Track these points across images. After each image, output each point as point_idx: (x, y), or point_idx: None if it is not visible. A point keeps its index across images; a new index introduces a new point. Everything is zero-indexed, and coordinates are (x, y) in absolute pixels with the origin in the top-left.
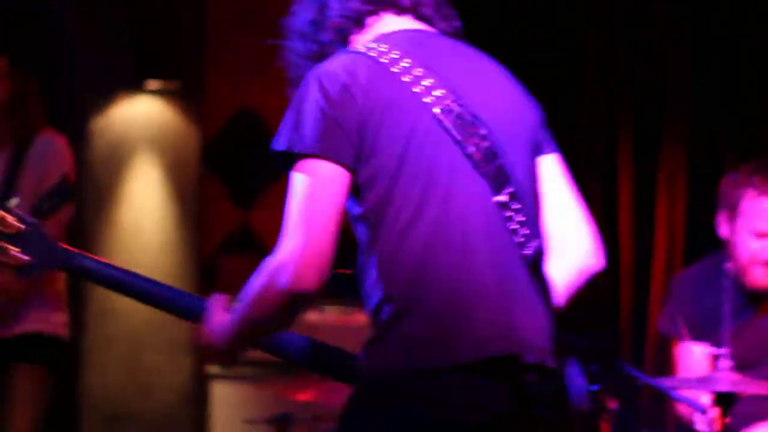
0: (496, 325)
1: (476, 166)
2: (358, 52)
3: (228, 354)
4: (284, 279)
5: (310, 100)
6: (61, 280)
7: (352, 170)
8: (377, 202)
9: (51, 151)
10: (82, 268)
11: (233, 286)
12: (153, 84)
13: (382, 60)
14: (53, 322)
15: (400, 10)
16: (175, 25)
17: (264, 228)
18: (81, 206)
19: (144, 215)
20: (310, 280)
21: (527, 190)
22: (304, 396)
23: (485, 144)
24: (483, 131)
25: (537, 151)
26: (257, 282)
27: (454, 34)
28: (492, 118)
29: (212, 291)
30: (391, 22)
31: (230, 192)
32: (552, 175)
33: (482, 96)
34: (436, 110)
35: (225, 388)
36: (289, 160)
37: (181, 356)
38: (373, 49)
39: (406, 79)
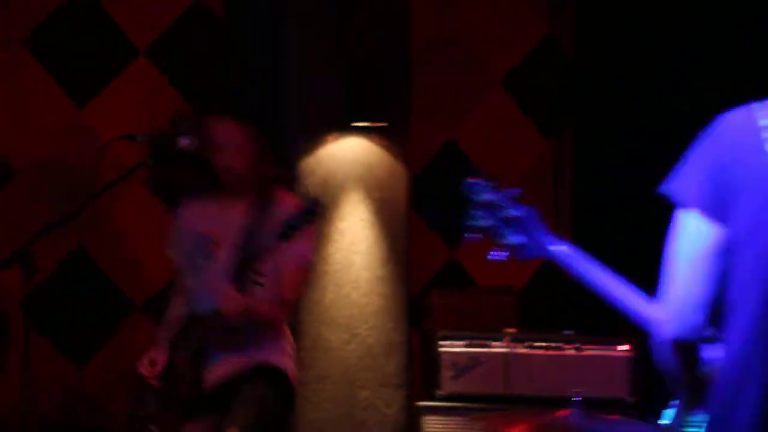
0: None
1: None
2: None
3: (678, 381)
4: (665, 329)
5: (699, 152)
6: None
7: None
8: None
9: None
10: (564, 265)
11: (442, 321)
12: (360, 124)
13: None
14: (286, 358)
15: None
16: (381, 67)
17: (471, 264)
18: None
19: (354, 252)
20: (685, 331)
21: None
22: (517, 430)
23: None
24: None
25: None
26: (654, 331)
27: None
28: None
29: (421, 326)
30: None
31: (436, 228)
32: None
33: None
34: None
35: (436, 422)
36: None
37: (392, 391)
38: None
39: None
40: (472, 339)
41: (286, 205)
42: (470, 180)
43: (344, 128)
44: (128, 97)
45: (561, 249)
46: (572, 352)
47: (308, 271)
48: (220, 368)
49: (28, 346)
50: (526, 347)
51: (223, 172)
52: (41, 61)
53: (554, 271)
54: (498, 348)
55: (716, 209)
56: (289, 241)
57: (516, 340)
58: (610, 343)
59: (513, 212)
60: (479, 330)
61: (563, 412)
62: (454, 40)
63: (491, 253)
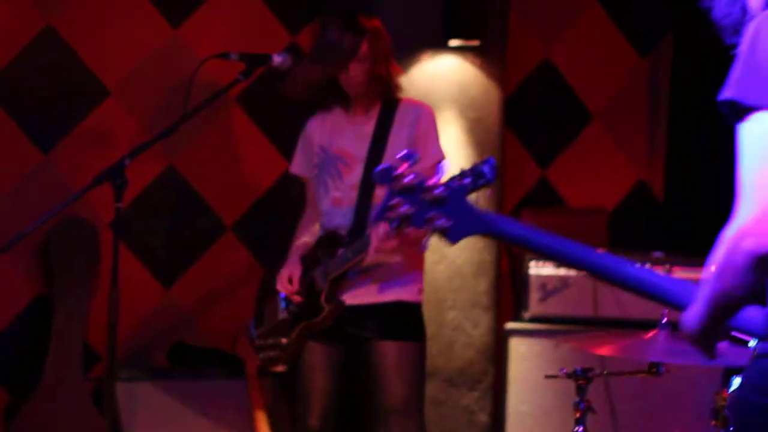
0: None
1: None
2: None
3: (706, 338)
4: (747, 244)
5: (760, 47)
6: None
7: None
8: None
9: (425, 116)
10: (505, 234)
11: None
12: (455, 42)
13: None
14: (415, 290)
15: None
16: None
17: (563, 184)
18: None
19: (446, 171)
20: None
21: None
22: (604, 350)
23: None
24: None
25: None
26: (720, 254)
27: None
28: None
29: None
30: None
31: (529, 148)
32: None
33: None
34: None
35: (524, 344)
36: (736, 112)
37: (481, 312)
38: None
39: None
40: None
41: (415, 112)
42: (382, 166)
43: (439, 47)
44: (223, 16)
45: (501, 222)
46: (662, 274)
47: None
48: (356, 296)
49: (116, 265)
50: None
51: (344, 83)
52: None
53: (646, 192)
54: None
55: None
56: None
57: None
58: (700, 265)
59: (436, 192)
60: None
61: (651, 334)
62: None
63: (422, 244)
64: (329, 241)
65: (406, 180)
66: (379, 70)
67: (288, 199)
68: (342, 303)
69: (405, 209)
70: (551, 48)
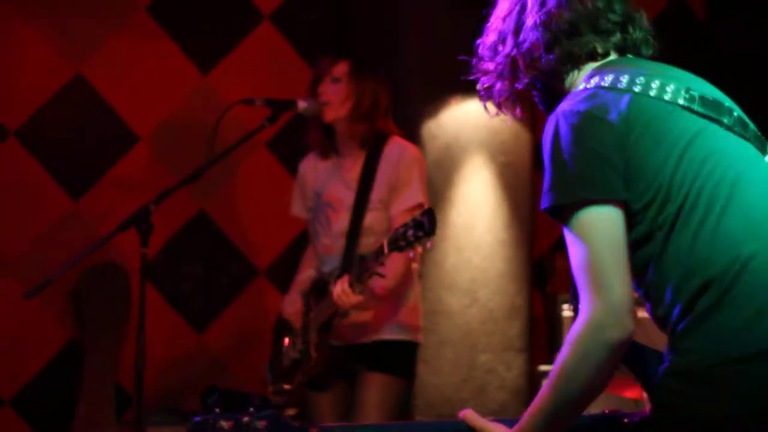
0: None
1: (740, 135)
2: (591, 88)
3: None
4: (609, 334)
5: (565, 146)
6: (416, 282)
7: (625, 200)
8: (662, 213)
9: (405, 160)
10: None
11: (566, 286)
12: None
13: (619, 86)
14: (410, 328)
15: (599, 55)
16: None
17: None
18: None
19: (476, 216)
20: (630, 324)
21: None
22: (636, 393)
23: (736, 114)
24: (727, 104)
25: None
26: (572, 354)
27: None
28: (719, 96)
29: (545, 289)
30: (594, 65)
31: None
32: None
33: (700, 85)
34: (683, 102)
35: None
36: (561, 212)
37: (514, 354)
38: (599, 80)
39: (643, 90)
40: None
41: (397, 156)
42: (196, 419)
43: (468, 91)
44: (252, 62)
45: None
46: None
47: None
48: (347, 335)
49: (143, 310)
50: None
51: (335, 127)
52: (165, 27)
53: None
54: None
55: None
56: (402, 253)
57: (638, 303)
58: None
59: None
60: None
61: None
62: None
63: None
64: (317, 289)
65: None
66: (364, 105)
67: None
68: (329, 350)
69: None
70: None
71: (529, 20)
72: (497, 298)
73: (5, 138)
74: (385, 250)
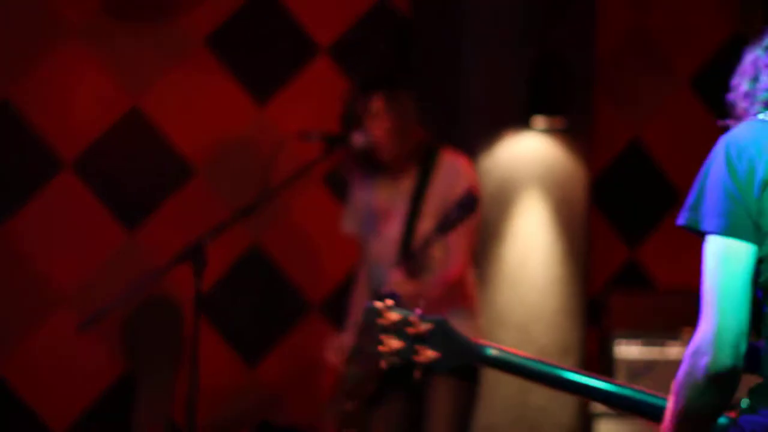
0: None
1: None
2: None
3: None
4: (703, 361)
5: (714, 175)
6: (473, 286)
7: (757, 244)
8: None
9: (455, 171)
10: (493, 360)
11: (621, 323)
12: (540, 121)
13: None
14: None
15: None
16: (564, 62)
17: (652, 264)
18: None
19: (530, 252)
20: (727, 360)
21: None
22: None
23: None
24: None
25: None
26: (681, 371)
27: None
28: None
29: (599, 327)
30: None
31: (617, 228)
32: None
33: None
34: None
35: (612, 427)
36: (698, 233)
37: (566, 395)
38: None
39: None
40: (648, 340)
41: (451, 169)
42: (369, 305)
43: (524, 126)
44: (309, 94)
45: (488, 351)
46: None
47: (470, 252)
48: None
49: (197, 344)
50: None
51: (376, 152)
52: (223, 60)
53: None
54: (675, 350)
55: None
56: (448, 233)
57: None
58: None
59: (421, 327)
60: (658, 331)
61: (733, 413)
62: (640, 37)
63: None
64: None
65: (393, 317)
66: (408, 128)
67: None
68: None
69: (394, 344)
70: (642, 126)
71: None
72: (550, 335)
73: (61, 169)
74: (433, 234)
